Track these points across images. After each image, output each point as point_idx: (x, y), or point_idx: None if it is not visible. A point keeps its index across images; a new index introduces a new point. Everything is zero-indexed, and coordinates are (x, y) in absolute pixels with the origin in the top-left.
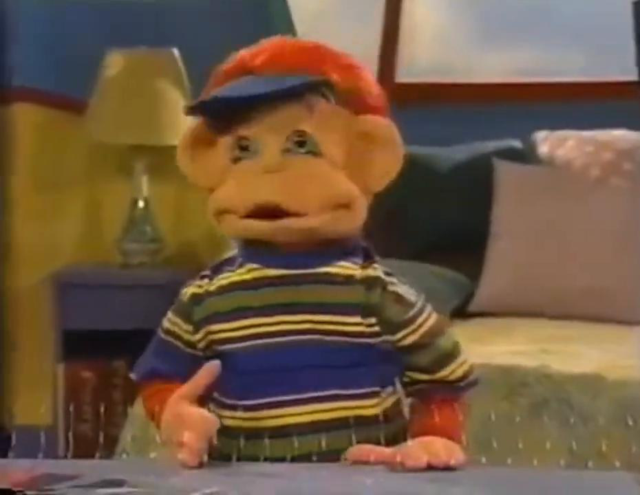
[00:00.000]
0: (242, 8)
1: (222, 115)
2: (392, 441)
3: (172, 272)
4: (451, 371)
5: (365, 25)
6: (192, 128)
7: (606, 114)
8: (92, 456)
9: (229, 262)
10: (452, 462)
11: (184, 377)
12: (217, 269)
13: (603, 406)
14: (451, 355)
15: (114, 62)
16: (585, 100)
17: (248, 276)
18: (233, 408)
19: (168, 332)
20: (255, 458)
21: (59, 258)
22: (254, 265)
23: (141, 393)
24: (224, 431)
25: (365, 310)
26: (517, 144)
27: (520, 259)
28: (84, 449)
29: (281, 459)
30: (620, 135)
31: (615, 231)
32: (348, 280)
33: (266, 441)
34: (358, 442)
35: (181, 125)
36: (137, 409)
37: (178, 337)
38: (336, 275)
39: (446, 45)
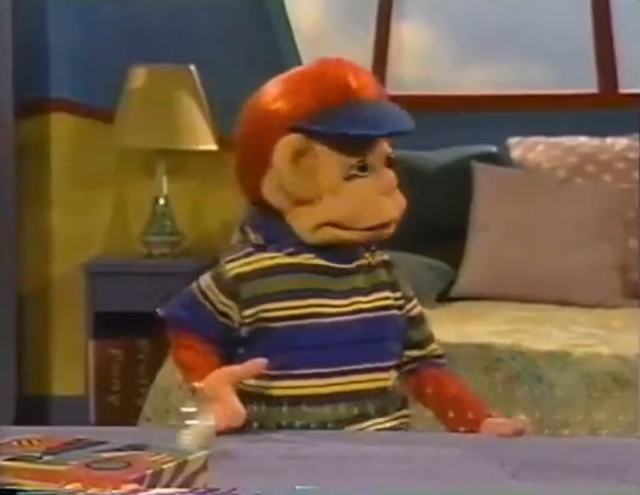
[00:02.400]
0: (249, 32)
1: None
2: (398, 408)
3: (190, 261)
4: (436, 347)
5: (358, 44)
6: (294, 144)
7: (571, 122)
8: (118, 424)
9: (272, 244)
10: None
11: (207, 336)
12: (261, 248)
13: (568, 379)
14: (432, 336)
15: (138, 76)
16: (552, 110)
17: (305, 262)
18: (281, 378)
19: (205, 296)
20: (294, 425)
21: (91, 249)
22: (310, 255)
23: (175, 338)
24: (266, 400)
25: (391, 287)
26: (493, 148)
27: (496, 250)
28: (111, 418)
29: (311, 426)
30: (583, 141)
31: (579, 225)
32: (371, 267)
33: (305, 408)
34: (380, 409)
35: (197, 132)
36: (159, 382)
37: (213, 304)
38: (364, 265)
39: (430, 62)
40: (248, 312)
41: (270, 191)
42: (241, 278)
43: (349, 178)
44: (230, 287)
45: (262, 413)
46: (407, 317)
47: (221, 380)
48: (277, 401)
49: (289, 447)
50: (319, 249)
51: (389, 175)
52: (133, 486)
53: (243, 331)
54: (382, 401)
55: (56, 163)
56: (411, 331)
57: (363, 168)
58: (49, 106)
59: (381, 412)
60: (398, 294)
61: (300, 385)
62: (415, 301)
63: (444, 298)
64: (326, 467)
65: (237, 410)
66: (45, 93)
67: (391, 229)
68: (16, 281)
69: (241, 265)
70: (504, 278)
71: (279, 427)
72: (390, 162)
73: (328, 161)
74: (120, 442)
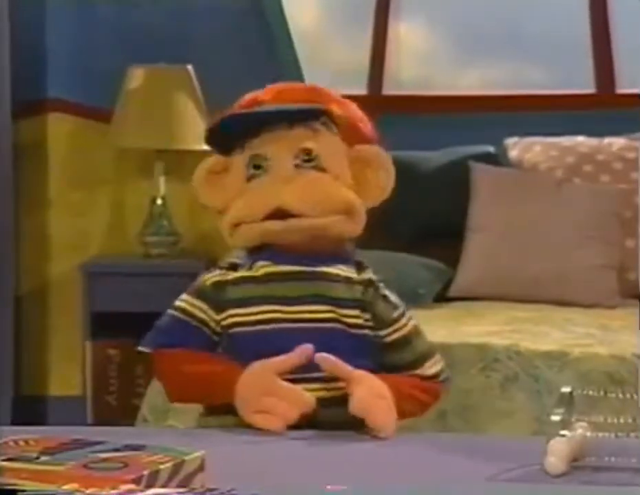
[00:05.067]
0: (247, 32)
1: (237, 136)
2: (360, 425)
3: (187, 262)
4: (427, 368)
5: (356, 44)
6: (206, 164)
7: (569, 123)
8: (116, 424)
9: (241, 262)
10: (382, 435)
11: (190, 347)
12: (233, 266)
13: (567, 379)
14: (426, 355)
15: (136, 76)
16: (550, 110)
17: (258, 273)
18: None
19: (183, 311)
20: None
21: (88, 249)
22: (265, 263)
23: (157, 360)
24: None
25: (362, 306)
26: (490, 148)
27: (493, 250)
28: (109, 418)
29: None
30: (580, 141)
31: (576, 225)
32: (347, 280)
33: None
34: (349, 420)
35: (194, 132)
36: (156, 382)
37: (194, 316)
38: (337, 275)
39: (428, 62)
40: (222, 315)
41: None
42: (219, 285)
43: (249, 179)
44: (210, 294)
45: (217, 422)
46: (385, 342)
47: (268, 374)
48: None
49: (286, 447)
50: (273, 256)
51: (284, 165)
52: (131, 486)
53: (217, 338)
54: (340, 414)
55: (54, 164)
56: (393, 355)
57: (257, 166)
58: (47, 106)
59: (336, 425)
60: (367, 316)
61: None
62: (397, 325)
63: (441, 298)
64: (323, 467)
65: (302, 394)
66: (43, 93)
67: (297, 219)
68: (14, 282)
69: (217, 276)
70: (501, 278)
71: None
72: (308, 153)
73: (235, 169)
74: (118, 442)
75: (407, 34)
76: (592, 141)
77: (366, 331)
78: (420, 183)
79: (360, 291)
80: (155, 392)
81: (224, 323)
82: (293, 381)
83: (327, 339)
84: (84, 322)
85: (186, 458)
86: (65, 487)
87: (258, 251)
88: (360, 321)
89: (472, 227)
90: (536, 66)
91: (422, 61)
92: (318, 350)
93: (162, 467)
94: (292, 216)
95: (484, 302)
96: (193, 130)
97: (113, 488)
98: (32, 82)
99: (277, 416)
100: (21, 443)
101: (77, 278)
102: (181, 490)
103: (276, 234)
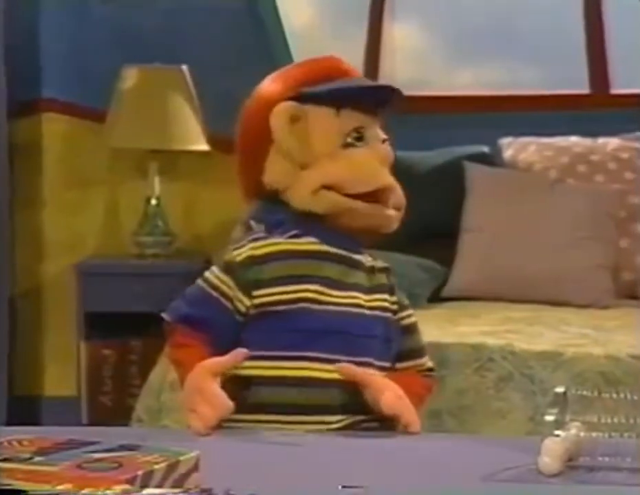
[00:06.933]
0: (241, 32)
1: (336, 97)
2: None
3: (182, 262)
4: (427, 360)
5: (350, 44)
6: (287, 109)
7: (563, 123)
8: (111, 424)
9: (277, 227)
10: (412, 429)
11: (214, 328)
12: (271, 231)
13: (561, 379)
14: (424, 347)
15: (130, 76)
16: (544, 110)
17: (309, 248)
18: (276, 358)
19: (212, 286)
20: (294, 405)
21: (83, 249)
22: (313, 239)
23: (171, 336)
24: (262, 381)
25: (389, 290)
26: (485, 148)
27: (488, 250)
28: (103, 418)
29: (314, 407)
30: (575, 141)
31: (570, 225)
32: (372, 268)
33: (306, 389)
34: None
35: (189, 132)
36: (151, 382)
37: (221, 291)
38: (363, 263)
39: (422, 62)
40: (252, 295)
41: (273, 168)
42: (247, 262)
43: (345, 146)
44: (238, 272)
45: (247, 393)
46: (401, 325)
47: (204, 373)
48: (259, 381)
49: (280, 447)
50: (322, 234)
51: (386, 148)
52: (125, 486)
53: (248, 316)
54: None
55: (48, 164)
56: (404, 338)
57: (359, 138)
58: (41, 106)
59: (365, 409)
60: (394, 299)
61: (293, 366)
62: (410, 311)
63: (436, 298)
64: (319, 467)
65: (223, 401)
66: (37, 93)
67: (395, 212)
68: (8, 282)
69: (248, 250)
70: (496, 278)
71: (261, 407)
72: (385, 139)
73: (324, 126)
74: (112, 442)
75: (402, 34)
76: (587, 142)
77: (393, 316)
78: (414, 183)
79: (384, 277)
80: (149, 392)
81: (259, 301)
82: (320, 360)
83: (367, 325)
84: (78, 322)
85: (181, 458)
86: (59, 487)
87: (310, 219)
88: (387, 304)
89: (466, 227)
90: (530, 66)
91: (417, 61)
92: (359, 335)
93: (156, 467)
94: (380, 200)
95: (479, 302)
96: (187, 130)
97: (108, 488)
98: (26, 82)
99: (199, 416)
100: (15, 443)
101: (71, 278)
102: (175, 490)
103: (366, 215)
